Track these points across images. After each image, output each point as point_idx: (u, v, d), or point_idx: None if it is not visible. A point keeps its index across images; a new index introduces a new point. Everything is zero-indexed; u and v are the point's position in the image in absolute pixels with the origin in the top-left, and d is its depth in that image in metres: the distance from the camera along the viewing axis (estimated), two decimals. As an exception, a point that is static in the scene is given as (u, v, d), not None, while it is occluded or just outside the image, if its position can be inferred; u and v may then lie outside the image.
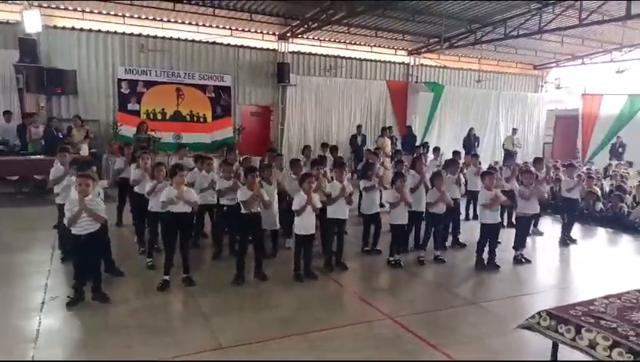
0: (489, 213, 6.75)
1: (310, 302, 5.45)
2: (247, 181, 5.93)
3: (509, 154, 15.25)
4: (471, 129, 16.37)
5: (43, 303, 5.02)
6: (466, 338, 4.63)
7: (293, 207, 5.96)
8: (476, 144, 15.93)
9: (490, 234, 6.84)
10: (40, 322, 4.60)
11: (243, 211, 5.83)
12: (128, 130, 12.31)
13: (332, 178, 6.95)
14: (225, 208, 6.66)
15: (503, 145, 17.05)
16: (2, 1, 11.42)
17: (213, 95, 14.29)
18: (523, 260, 7.21)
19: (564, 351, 3.41)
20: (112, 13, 12.61)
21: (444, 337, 4.61)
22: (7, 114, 11.30)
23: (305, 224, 5.97)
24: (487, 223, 6.82)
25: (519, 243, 7.28)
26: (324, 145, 10.96)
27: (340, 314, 5.21)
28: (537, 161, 9.34)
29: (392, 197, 6.75)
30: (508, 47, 16.99)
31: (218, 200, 6.79)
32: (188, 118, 14.07)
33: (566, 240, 8.54)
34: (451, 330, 4.84)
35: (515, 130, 17.27)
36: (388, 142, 14.46)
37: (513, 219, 8.33)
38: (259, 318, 4.92)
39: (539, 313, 3.37)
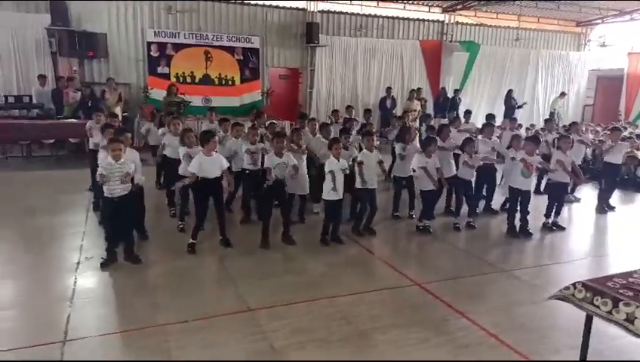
0: (520, 177, 6.53)
1: (337, 267, 5.46)
2: (274, 147, 5.88)
3: (551, 118, 14.72)
4: (510, 91, 15.78)
5: (78, 263, 5.19)
6: (496, 307, 4.55)
7: (326, 169, 5.89)
8: (517, 105, 15.55)
9: (520, 199, 6.63)
10: (75, 282, 4.77)
11: (267, 177, 5.80)
12: (158, 94, 12.35)
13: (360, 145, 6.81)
14: (247, 172, 6.66)
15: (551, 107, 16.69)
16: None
17: (241, 57, 14.11)
18: (554, 228, 7.00)
19: (598, 324, 3.29)
20: (140, -26, 12.50)
21: (473, 305, 4.54)
22: (42, 78, 11.49)
23: (330, 189, 5.89)
24: (515, 188, 6.61)
25: (551, 211, 7.04)
26: (349, 108, 10.75)
27: (366, 279, 5.19)
28: (572, 125, 9.03)
29: (421, 162, 6.57)
30: (549, 3, 16.02)
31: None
32: (216, 81, 13.99)
33: (603, 208, 8.22)
34: (480, 298, 4.77)
35: (563, 94, 16.75)
36: (415, 105, 14.07)
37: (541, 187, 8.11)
38: (286, 282, 4.96)
39: (574, 284, 3.24)
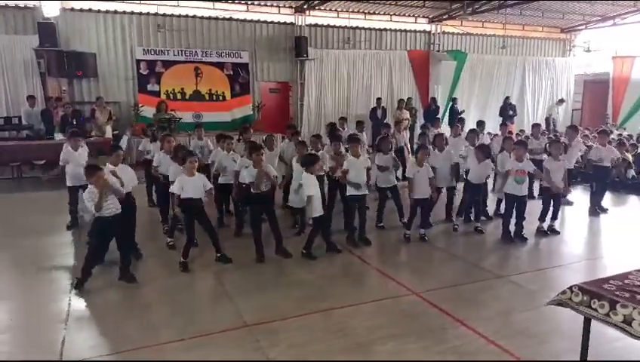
0: (513, 183, 6.56)
1: (333, 278, 5.43)
2: (254, 160, 5.81)
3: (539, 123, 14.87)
4: (507, 98, 15.97)
5: (72, 284, 5.11)
6: (494, 313, 4.54)
7: (305, 193, 5.84)
8: (511, 112, 15.66)
9: (514, 204, 6.64)
10: (69, 303, 4.70)
11: (253, 191, 5.76)
12: (149, 112, 12.36)
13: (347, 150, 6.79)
14: (243, 185, 6.62)
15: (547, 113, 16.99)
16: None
17: (231, 72, 14.18)
18: (549, 232, 7.01)
19: (596, 327, 3.29)
20: (128, -7, 12.57)
21: (471, 312, 4.52)
22: (31, 99, 11.45)
23: (315, 205, 5.84)
24: (511, 194, 6.63)
25: (546, 215, 7.05)
26: (342, 120, 10.81)
27: (363, 290, 5.17)
28: (569, 130, 9.15)
29: (410, 172, 6.57)
30: (534, 10, 16.28)
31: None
32: (207, 97, 14.03)
33: (596, 210, 8.27)
34: (478, 305, 4.75)
35: (562, 100, 17.02)
36: (405, 114, 14.15)
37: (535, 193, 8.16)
38: (282, 296, 4.93)
39: (570, 288, 3.24)
